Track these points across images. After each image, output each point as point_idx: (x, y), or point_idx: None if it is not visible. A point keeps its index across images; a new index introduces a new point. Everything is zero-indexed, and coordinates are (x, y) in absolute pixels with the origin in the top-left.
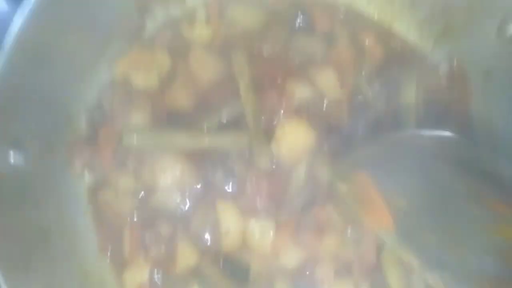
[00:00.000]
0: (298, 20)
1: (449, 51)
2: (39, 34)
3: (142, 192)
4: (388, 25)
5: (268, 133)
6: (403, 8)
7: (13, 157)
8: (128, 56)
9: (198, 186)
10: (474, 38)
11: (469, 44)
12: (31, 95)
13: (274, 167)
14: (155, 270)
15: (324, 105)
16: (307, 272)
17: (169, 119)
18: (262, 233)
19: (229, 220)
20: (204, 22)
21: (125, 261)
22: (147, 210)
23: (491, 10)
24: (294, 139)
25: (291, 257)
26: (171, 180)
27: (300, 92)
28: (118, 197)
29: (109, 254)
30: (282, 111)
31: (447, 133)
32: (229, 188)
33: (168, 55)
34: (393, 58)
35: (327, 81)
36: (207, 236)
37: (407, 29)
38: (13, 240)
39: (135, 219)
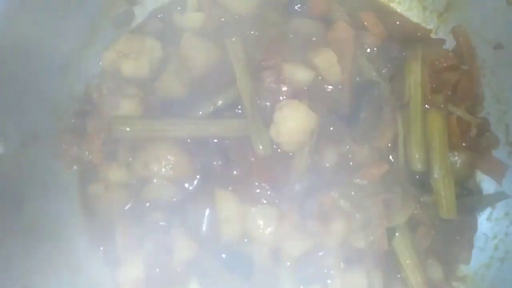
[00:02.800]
0: (294, 2)
1: (455, 26)
2: (16, 23)
3: (134, 184)
4: (388, 2)
5: (266, 118)
6: None
7: None
8: (117, 45)
9: (194, 175)
10: (482, 8)
11: (476, 15)
12: (11, 85)
13: (274, 153)
14: (152, 264)
15: (325, 87)
16: (315, 261)
17: (161, 107)
18: (264, 221)
19: (229, 208)
20: (196, 8)
21: (118, 257)
22: (140, 202)
23: None
24: (294, 122)
25: (296, 246)
26: (165, 170)
27: (299, 75)
28: (109, 189)
29: (101, 250)
30: (279, 94)
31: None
32: (227, 176)
33: (159, 42)
34: (395, 36)
35: (327, 63)
36: (205, 226)
37: (409, 7)
38: None
39: (127, 212)
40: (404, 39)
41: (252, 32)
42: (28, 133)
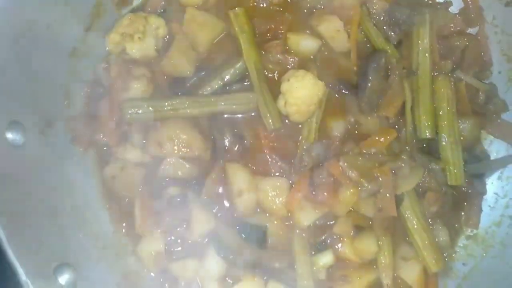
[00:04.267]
0: None
1: None
2: (19, 10)
3: (150, 162)
4: None
5: (274, 89)
6: None
7: (11, 137)
8: (120, 26)
9: (207, 151)
10: None
11: None
12: (23, 73)
13: (283, 124)
14: (171, 238)
15: (331, 55)
16: (325, 229)
17: (170, 86)
18: (275, 192)
19: (241, 181)
20: None
21: (139, 233)
22: (156, 180)
23: None
24: (301, 92)
25: (306, 216)
26: (178, 148)
27: (304, 44)
28: (125, 169)
29: (124, 227)
30: (286, 65)
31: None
32: (238, 151)
33: (162, 20)
34: (402, 1)
35: (332, 31)
36: (220, 199)
37: None
38: (21, 220)
39: (145, 189)
40: (411, 3)
41: (255, 3)
42: (43, 120)
